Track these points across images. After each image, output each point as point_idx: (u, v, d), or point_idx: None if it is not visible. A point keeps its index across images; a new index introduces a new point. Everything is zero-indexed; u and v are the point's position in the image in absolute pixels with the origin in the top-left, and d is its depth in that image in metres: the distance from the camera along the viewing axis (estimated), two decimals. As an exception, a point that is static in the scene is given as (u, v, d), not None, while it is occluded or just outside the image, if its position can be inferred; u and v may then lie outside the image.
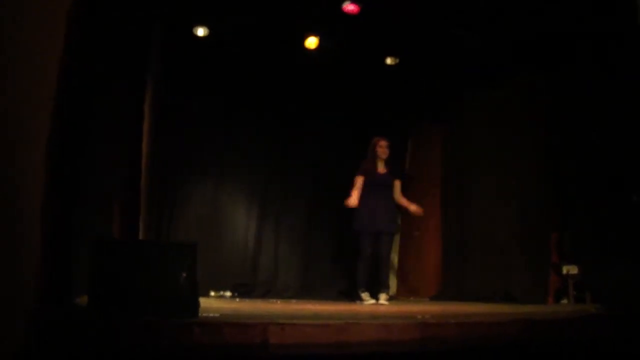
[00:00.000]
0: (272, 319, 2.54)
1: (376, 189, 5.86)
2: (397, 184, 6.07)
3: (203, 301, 2.78)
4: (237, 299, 5.95)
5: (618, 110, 5.08)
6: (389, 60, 6.77)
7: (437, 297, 6.66)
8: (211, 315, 2.76)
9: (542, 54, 5.85)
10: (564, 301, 5.58)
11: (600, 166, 5.21)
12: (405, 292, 7.31)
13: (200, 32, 6.13)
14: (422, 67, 6.92)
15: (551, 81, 5.88)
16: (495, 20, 5.75)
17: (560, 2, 5.20)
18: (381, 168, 6.00)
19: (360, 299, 5.64)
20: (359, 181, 5.90)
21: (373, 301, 5.55)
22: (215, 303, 4.76)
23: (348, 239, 6.70)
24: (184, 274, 2.59)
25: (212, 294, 6.20)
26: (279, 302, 5.61)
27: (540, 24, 5.55)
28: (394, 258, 7.50)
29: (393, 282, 7.43)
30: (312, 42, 6.34)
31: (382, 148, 5.99)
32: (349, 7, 5.68)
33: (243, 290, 6.40)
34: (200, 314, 2.67)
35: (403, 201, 6.07)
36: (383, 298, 5.52)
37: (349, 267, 6.97)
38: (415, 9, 5.73)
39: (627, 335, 3.16)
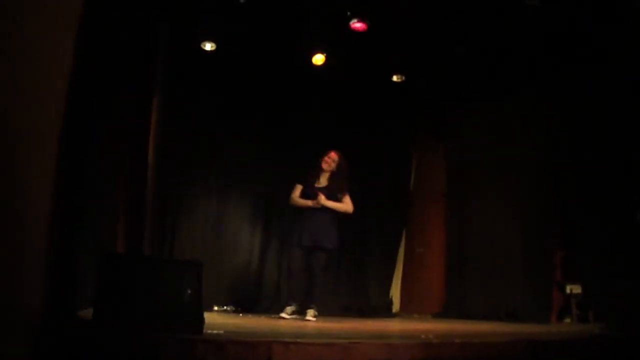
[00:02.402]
0: (277, 337, 2.54)
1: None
2: (345, 199, 5.56)
3: (206, 316, 2.79)
4: (240, 314, 5.94)
5: (622, 128, 5.09)
6: (395, 78, 6.80)
7: (440, 315, 6.64)
8: (215, 331, 2.76)
9: (543, 71, 5.89)
10: (567, 320, 5.55)
11: (605, 184, 5.21)
12: (409, 308, 7.28)
13: (208, 47, 6.19)
14: (425, 82, 6.96)
15: (553, 97, 5.91)
16: (497, 39, 5.80)
17: (562, 18, 5.24)
18: (323, 181, 5.64)
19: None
20: (297, 190, 5.62)
21: (294, 316, 5.28)
22: (219, 318, 4.75)
23: (350, 253, 6.87)
24: (189, 291, 2.60)
25: (216, 308, 6.19)
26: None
27: (540, 46, 5.60)
28: (398, 273, 7.49)
29: (396, 298, 7.41)
30: (319, 59, 6.38)
31: (329, 160, 5.65)
32: (357, 25, 5.72)
33: (246, 305, 6.39)
34: (204, 330, 2.67)
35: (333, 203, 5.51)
36: (310, 314, 5.23)
37: (351, 282, 7.04)
38: (420, 27, 5.80)
39: (630, 356, 3.15)
